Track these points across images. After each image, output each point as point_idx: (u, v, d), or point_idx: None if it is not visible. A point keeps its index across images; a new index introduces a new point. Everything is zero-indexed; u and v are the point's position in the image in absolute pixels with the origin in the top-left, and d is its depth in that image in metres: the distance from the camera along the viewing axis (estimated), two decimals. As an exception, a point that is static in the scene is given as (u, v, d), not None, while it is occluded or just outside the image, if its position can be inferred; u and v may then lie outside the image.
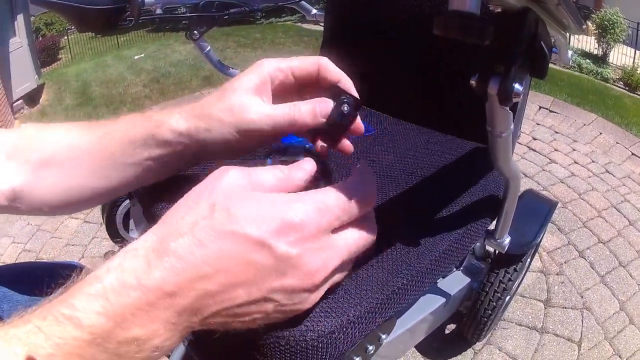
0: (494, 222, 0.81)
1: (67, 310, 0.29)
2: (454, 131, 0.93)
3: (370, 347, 0.60)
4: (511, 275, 1.11)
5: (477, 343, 1.49)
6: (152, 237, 0.33)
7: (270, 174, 0.37)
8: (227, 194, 0.34)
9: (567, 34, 0.58)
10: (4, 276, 0.61)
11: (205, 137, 0.47)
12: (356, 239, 0.39)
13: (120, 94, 3.93)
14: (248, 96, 0.45)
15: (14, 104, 3.67)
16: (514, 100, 0.45)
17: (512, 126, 0.54)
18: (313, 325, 0.45)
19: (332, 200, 0.36)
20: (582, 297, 1.72)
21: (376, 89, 1.03)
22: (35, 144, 0.50)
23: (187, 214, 0.34)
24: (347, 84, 0.48)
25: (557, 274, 1.83)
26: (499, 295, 1.12)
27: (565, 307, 1.67)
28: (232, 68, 1.33)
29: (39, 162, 0.49)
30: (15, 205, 0.50)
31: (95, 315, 0.29)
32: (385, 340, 0.62)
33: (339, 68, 0.48)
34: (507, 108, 0.49)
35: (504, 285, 1.11)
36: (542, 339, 1.55)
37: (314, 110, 0.44)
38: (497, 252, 1.11)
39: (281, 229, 0.33)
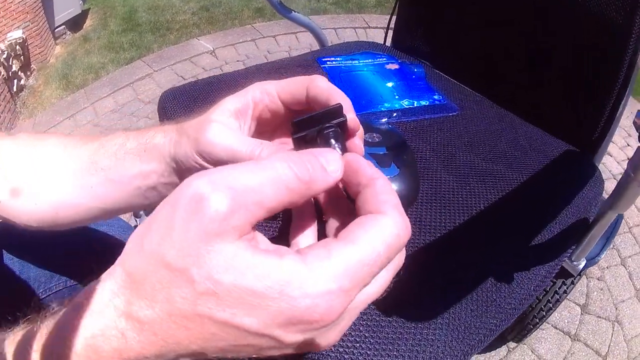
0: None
1: None
2: (543, 124, 0.85)
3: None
4: (567, 287, 1.05)
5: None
6: (117, 297, 0.26)
7: (272, 189, 0.26)
8: (208, 264, 0.24)
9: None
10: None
11: (177, 153, 0.41)
12: (380, 287, 0.30)
13: (167, 21, 3.80)
14: (220, 116, 0.39)
15: (56, 30, 3.64)
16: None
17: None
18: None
19: (362, 269, 0.26)
20: (616, 308, 1.67)
21: (460, 58, 0.94)
22: (26, 157, 0.48)
23: (157, 282, 0.25)
24: (340, 101, 0.36)
25: (598, 279, 1.77)
26: (551, 305, 1.06)
27: (600, 317, 1.63)
28: (294, 11, 1.19)
29: (26, 176, 0.47)
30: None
31: None
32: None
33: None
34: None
35: (558, 297, 1.05)
36: (572, 346, 1.52)
37: None
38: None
39: (291, 322, 0.25)
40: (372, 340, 0.41)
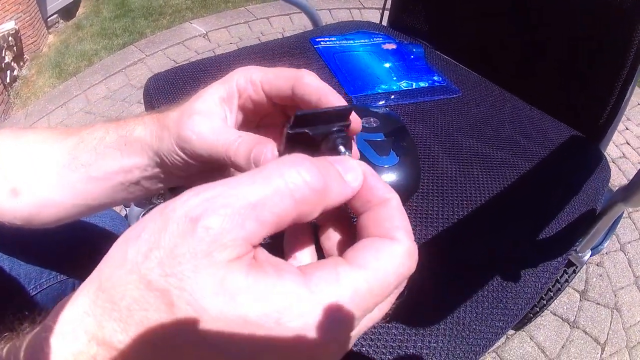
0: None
1: None
2: (547, 107, 0.81)
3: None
4: (569, 276, 1.02)
5: (511, 328, 1.45)
6: (88, 317, 0.23)
7: (276, 201, 0.22)
8: (193, 287, 0.21)
9: None
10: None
11: (160, 148, 0.37)
12: (383, 312, 0.27)
13: (160, 5, 3.73)
14: (204, 106, 0.35)
15: (49, 19, 3.60)
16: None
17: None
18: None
19: (372, 299, 0.23)
20: (615, 295, 1.65)
21: (460, 37, 0.90)
22: (13, 154, 0.45)
23: (134, 302, 0.22)
24: (332, 101, 0.32)
25: (597, 265, 1.75)
26: (552, 294, 1.04)
27: (599, 304, 1.61)
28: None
29: (14, 174, 0.44)
30: None
31: None
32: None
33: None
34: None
35: (560, 286, 1.03)
36: (571, 334, 1.51)
37: (248, 153, 0.32)
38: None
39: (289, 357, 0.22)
40: (369, 350, 0.38)
